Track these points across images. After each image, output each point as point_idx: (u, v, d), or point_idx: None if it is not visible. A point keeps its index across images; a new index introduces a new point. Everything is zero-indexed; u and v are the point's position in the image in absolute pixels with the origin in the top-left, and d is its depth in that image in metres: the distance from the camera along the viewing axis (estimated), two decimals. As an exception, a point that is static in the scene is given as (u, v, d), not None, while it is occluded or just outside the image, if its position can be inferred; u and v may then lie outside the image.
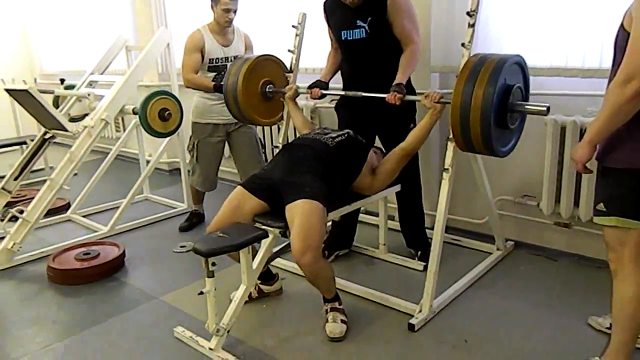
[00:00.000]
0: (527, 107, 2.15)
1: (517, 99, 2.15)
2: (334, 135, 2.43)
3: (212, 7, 3.26)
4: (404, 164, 2.45)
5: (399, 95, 2.41)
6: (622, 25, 1.59)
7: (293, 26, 3.02)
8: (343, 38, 2.69)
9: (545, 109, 2.08)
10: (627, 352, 1.76)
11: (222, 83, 3.08)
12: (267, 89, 2.98)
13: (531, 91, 2.64)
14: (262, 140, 4.03)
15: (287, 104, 2.87)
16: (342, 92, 2.79)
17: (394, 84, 2.51)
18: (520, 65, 2.19)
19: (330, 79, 2.93)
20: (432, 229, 2.42)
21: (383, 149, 2.71)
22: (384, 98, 2.48)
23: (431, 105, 2.32)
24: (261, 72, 2.95)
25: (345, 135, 2.46)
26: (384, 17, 2.56)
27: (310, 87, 2.82)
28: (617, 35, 1.63)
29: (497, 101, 2.02)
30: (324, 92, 2.81)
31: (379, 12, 2.57)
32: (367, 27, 2.59)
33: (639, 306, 1.70)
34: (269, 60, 3.00)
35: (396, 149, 2.42)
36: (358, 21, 2.61)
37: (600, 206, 1.72)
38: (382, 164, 2.47)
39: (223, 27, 3.31)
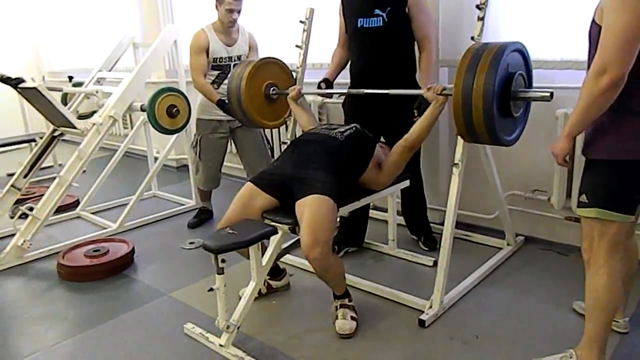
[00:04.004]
0: (530, 94, 2.13)
1: (520, 87, 2.12)
2: (342, 129, 2.42)
3: (216, 6, 3.25)
4: (408, 157, 2.42)
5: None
6: (593, 19, 1.61)
7: (301, 21, 3.01)
8: (359, 25, 2.68)
9: (548, 94, 2.05)
10: (601, 342, 1.77)
11: (225, 100, 3.11)
12: (270, 91, 2.96)
13: (542, 84, 2.63)
14: (270, 136, 4.03)
15: (291, 104, 2.86)
16: (345, 91, 2.80)
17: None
18: (521, 52, 2.16)
19: (335, 78, 2.96)
20: (442, 224, 2.40)
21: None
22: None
23: (434, 98, 2.30)
24: (264, 75, 2.93)
25: (353, 129, 2.45)
26: (403, 9, 2.60)
27: (318, 86, 2.92)
28: (590, 29, 1.65)
29: (499, 89, 1.99)
30: (329, 91, 2.90)
31: (399, 3, 2.59)
32: (385, 17, 2.60)
33: (611, 296, 1.73)
34: (272, 63, 2.98)
35: (400, 141, 2.40)
36: (376, 10, 2.61)
37: (583, 197, 1.73)
38: (387, 157, 2.45)
39: (227, 26, 3.30)
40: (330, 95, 3.02)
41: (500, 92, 2.01)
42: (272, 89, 2.97)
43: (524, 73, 2.16)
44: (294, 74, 3.05)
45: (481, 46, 2.08)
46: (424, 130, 2.34)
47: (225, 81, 3.34)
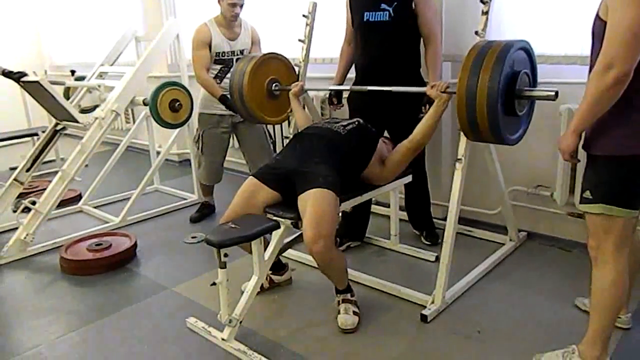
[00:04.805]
0: (534, 92, 2.11)
1: (525, 85, 2.10)
2: (344, 123, 2.42)
3: (218, 1, 3.24)
4: (411, 157, 2.43)
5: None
6: (597, 14, 1.61)
7: (304, 15, 2.99)
8: (365, 19, 2.68)
9: (553, 94, 2.04)
10: (604, 339, 1.78)
11: (227, 96, 3.11)
12: (273, 87, 2.96)
13: (546, 79, 2.61)
14: (272, 131, 4.03)
15: (291, 100, 2.85)
16: (347, 88, 2.81)
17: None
18: (526, 50, 2.14)
19: (343, 82, 2.98)
20: (444, 219, 2.40)
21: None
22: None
23: (437, 95, 2.29)
24: (267, 70, 2.93)
25: (356, 123, 2.44)
26: (409, 4, 2.61)
27: (330, 102, 3.02)
28: (594, 24, 1.65)
29: (503, 88, 1.98)
30: (332, 87, 2.93)
31: None
32: (391, 11, 2.61)
33: (618, 293, 1.73)
34: (275, 58, 2.98)
35: (404, 142, 2.40)
36: (383, 4, 2.62)
37: (587, 194, 1.73)
38: (391, 155, 2.45)
39: (229, 21, 3.29)
40: (338, 103, 3.03)
41: (504, 91, 2.00)
42: (274, 84, 2.96)
43: (529, 71, 2.14)
44: (296, 68, 3.04)
45: (486, 44, 2.07)
46: (429, 130, 2.34)
47: (228, 75, 3.32)
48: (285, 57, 3.02)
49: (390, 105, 2.72)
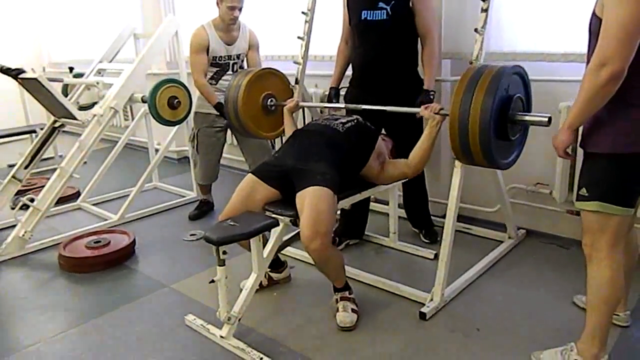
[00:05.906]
0: (527, 117, 2.08)
1: (518, 110, 2.08)
2: (343, 120, 2.41)
3: (217, 3, 3.22)
4: (409, 177, 2.45)
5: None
6: (594, 12, 1.61)
7: (303, 12, 2.99)
8: (362, 18, 2.67)
9: (546, 119, 2.01)
10: (602, 336, 1.78)
11: (222, 103, 3.08)
12: (268, 102, 2.94)
13: (545, 77, 2.61)
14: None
15: (285, 115, 2.82)
16: (342, 106, 2.80)
17: (424, 88, 2.59)
18: (520, 75, 2.12)
19: (341, 82, 2.96)
20: (443, 217, 2.40)
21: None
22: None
23: (430, 117, 2.28)
24: (263, 86, 2.91)
25: (355, 121, 2.44)
26: (407, 3, 2.60)
27: (328, 102, 2.97)
28: (591, 22, 1.64)
29: (496, 112, 1.96)
30: (327, 105, 2.94)
31: None
32: (388, 10, 2.60)
33: (614, 290, 1.73)
34: (271, 74, 2.96)
35: (403, 162, 2.39)
36: (380, 3, 2.61)
37: (583, 191, 1.73)
38: (390, 167, 2.43)
39: (228, 24, 3.27)
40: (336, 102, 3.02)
41: (497, 115, 1.98)
42: (269, 99, 2.94)
43: (523, 96, 2.12)
44: (296, 65, 3.03)
45: (481, 67, 2.06)
46: (426, 152, 2.33)
47: (224, 77, 3.33)
48: (281, 73, 3.00)
49: (387, 104, 2.71)
